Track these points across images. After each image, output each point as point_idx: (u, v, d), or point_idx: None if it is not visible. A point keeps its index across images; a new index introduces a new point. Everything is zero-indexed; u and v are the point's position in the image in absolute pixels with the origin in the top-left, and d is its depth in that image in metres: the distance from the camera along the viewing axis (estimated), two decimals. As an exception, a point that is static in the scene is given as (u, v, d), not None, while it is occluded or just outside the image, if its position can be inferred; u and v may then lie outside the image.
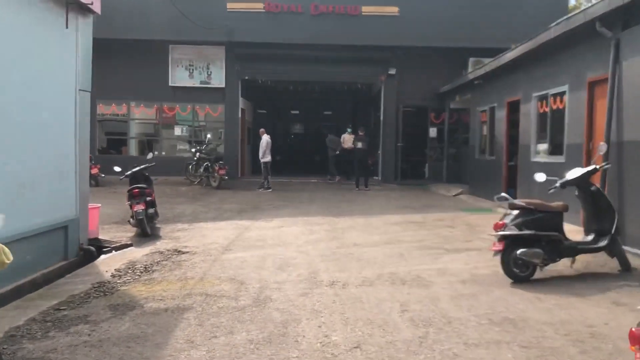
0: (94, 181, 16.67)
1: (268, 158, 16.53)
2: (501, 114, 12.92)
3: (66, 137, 8.66)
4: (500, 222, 6.04)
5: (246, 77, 19.10)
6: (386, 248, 8.14)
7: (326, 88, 21.06)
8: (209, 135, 18.44)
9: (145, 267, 7.55)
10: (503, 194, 6.21)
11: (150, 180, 11.23)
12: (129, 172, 10.87)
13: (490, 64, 12.86)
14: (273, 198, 14.88)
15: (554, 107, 9.93)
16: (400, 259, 7.36)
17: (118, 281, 6.90)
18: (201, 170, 17.22)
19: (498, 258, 6.07)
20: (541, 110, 10.64)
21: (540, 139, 10.74)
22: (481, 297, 5.50)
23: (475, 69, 14.71)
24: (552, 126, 10.07)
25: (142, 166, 11.11)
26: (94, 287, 6.58)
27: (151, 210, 10.11)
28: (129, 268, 7.61)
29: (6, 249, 3.19)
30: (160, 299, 5.77)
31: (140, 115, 19.69)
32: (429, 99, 19.40)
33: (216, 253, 8.20)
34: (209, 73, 19.11)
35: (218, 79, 19.13)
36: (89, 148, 9.81)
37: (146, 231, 9.81)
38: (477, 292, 5.67)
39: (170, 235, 9.91)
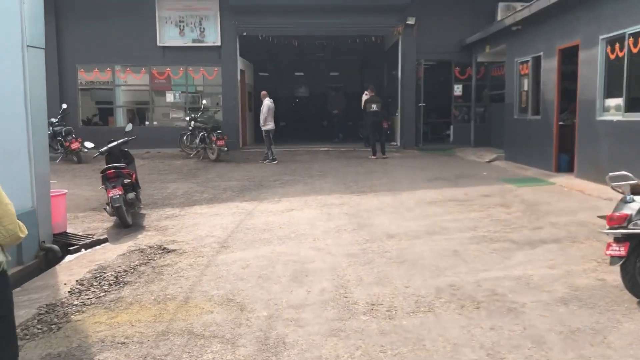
0: (76, 157, 14.83)
1: (270, 125, 14.55)
2: (550, 64, 10.84)
3: (11, 107, 6.77)
4: (619, 214, 4.12)
5: (244, 34, 16.96)
6: (432, 241, 6.27)
7: (334, 44, 18.91)
8: (204, 102, 16.42)
9: (116, 277, 5.77)
10: (623, 172, 4.26)
11: (131, 157, 9.36)
12: (104, 149, 9.01)
13: (536, 3, 10.70)
14: (279, 171, 13.00)
15: (635, 50, 7.87)
16: (457, 260, 5.50)
17: (75, 302, 5.14)
18: (197, 141, 15.30)
19: (607, 263, 4.20)
20: (612, 56, 8.58)
21: (610, 93, 8.71)
22: (610, 336, 3.63)
23: (513, 12, 12.53)
24: (630, 75, 8.03)
25: (119, 140, 9.22)
26: (39, 316, 4.83)
27: (131, 195, 8.26)
28: (96, 278, 5.85)
29: (21, 224, 2.98)
30: (122, 344, 3.96)
31: (126, 80, 17.65)
32: (452, 52, 17.23)
33: (210, 252, 6.38)
34: (202, 30, 16.98)
35: (213, 37, 17.00)
36: (45, 121, 7.93)
37: (126, 221, 8.01)
38: (598, 326, 3.81)
39: (156, 224, 8.11)
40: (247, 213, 8.47)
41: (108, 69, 17.24)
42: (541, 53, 11.29)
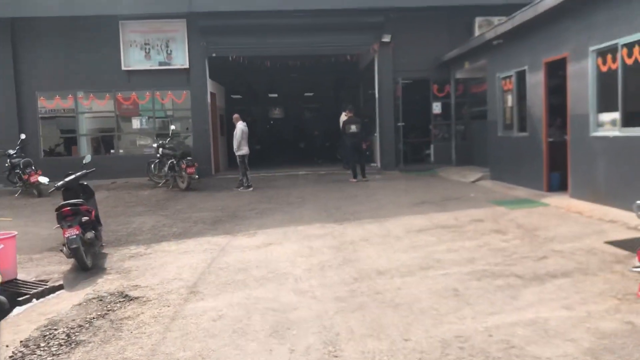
0: (36, 191, 13.92)
1: (244, 150, 13.88)
2: (536, 78, 10.44)
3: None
4: (653, 249, 3.55)
5: (214, 55, 16.35)
6: (427, 278, 5.64)
7: (308, 64, 18.36)
8: (173, 127, 15.68)
9: (68, 335, 5.00)
10: (654, 200, 3.70)
11: (91, 191, 8.58)
12: (60, 183, 8.22)
13: (520, 15, 10.33)
14: (255, 199, 12.31)
15: (629, 61, 7.45)
16: (459, 301, 4.87)
17: (15, 374, 4.35)
18: (166, 169, 14.53)
19: (629, 300, 3.64)
20: (604, 68, 8.16)
21: (604, 107, 8.28)
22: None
23: (493, 26, 12.18)
24: (626, 88, 7.60)
25: (77, 173, 8.45)
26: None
27: (90, 235, 7.47)
28: (44, 337, 5.06)
29: None
30: None
31: (90, 107, 16.83)
32: (430, 69, 16.88)
33: (177, 300, 5.64)
34: (169, 52, 16.33)
35: (180, 59, 16.36)
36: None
37: (84, 264, 7.21)
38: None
39: (118, 266, 7.33)
40: (220, 249, 7.75)
41: (70, 95, 16.43)
42: (526, 67, 10.90)
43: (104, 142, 17.21)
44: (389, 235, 7.83)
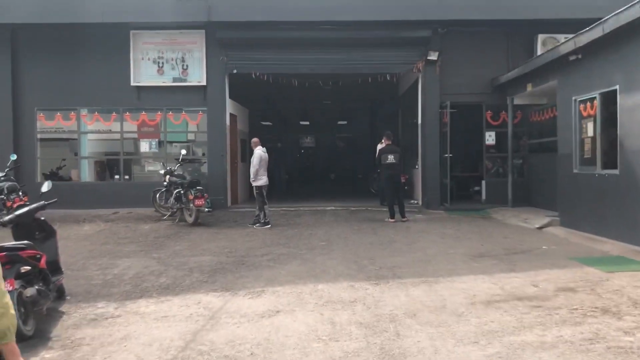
0: (22, 220, 12.11)
1: (262, 180, 11.90)
2: (634, 100, 8.19)
3: None
4: None
5: (234, 71, 14.57)
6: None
7: (342, 87, 16.46)
8: (183, 151, 13.83)
9: None
10: None
11: (50, 229, 6.69)
12: (7, 218, 6.35)
13: (614, 17, 8.16)
14: (271, 240, 10.27)
15: None
16: None
17: None
18: (172, 199, 12.65)
19: None
20: None
21: None
22: None
23: (575, 35, 9.94)
24: None
25: (32, 206, 6.57)
26: None
27: (31, 292, 5.49)
28: None
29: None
30: None
31: (94, 127, 15.17)
32: (482, 92, 14.74)
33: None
34: (185, 67, 14.62)
35: (197, 75, 14.63)
36: None
37: (20, 331, 5.23)
38: None
39: (69, 335, 5.39)
40: (210, 316, 5.69)
41: (73, 113, 14.81)
42: (617, 87, 8.67)
43: (108, 166, 15.50)
44: (445, 308, 5.63)
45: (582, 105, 10.04)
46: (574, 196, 10.41)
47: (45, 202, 6.73)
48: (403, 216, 12.28)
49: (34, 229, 6.41)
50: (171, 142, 15.42)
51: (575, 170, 10.34)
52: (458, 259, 8.12)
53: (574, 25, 13.02)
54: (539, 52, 13.93)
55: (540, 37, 14.20)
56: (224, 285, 7.01)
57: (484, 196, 14.86)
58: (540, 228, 11.00)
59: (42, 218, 6.68)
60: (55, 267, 6.49)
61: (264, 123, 24.34)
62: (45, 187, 7.21)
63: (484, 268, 7.50)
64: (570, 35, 11.79)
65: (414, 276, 7.13)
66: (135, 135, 15.16)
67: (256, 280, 7.19)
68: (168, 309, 6.05)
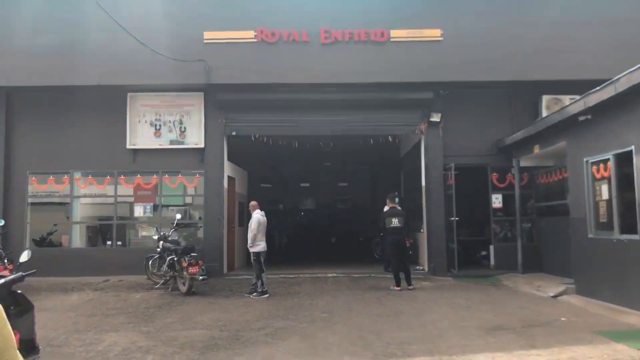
0: None
1: (260, 246, 11.36)
2: (653, 161, 7.82)
3: None
4: None
5: (233, 133, 14.33)
6: None
7: (343, 148, 16.22)
8: (178, 216, 13.37)
9: None
10: None
11: (27, 303, 6.08)
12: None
13: (627, 75, 7.89)
14: (269, 312, 9.64)
15: None
16: None
17: None
18: (164, 267, 12.08)
19: None
20: None
21: None
22: None
23: (585, 95, 9.65)
24: None
25: (7, 278, 6.00)
26: None
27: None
28: None
29: None
30: None
31: (87, 190, 14.78)
32: (487, 154, 14.44)
33: None
34: (183, 129, 14.39)
35: (195, 137, 14.39)
36: None
37: None
38: None
39: None
40: (198, 406, 5.05)
41: (66, 177, 14.46)
42: (632, 147, 8.32)
43: (100, 231, 14.98)
44: (465, 394, 5.01)
45: (594, 167, 9.67)
46: (590, 263, 9.87)
47: (23, 274, 6.17)
48: (409, 284, 11.68)
49: (8, 303, 5.85)
50: (167, 206, 14.97)
51: (590, 235, 9.85)
52: (472, 333, 7.50)
53: (578, 86, 12.95)
54: (543, 114, 13.74)
55: (545, 98, 14.03)
56: (216, 366, 6.40)
57: (492, 261, 14.29)
58: (555, 296, 10.39)
59: (19, 291, 6.13)
60: (30, 346, 5.89)
61: (263, 185, 24.03)
62: (24, 256, 6.69)
63: (501, 344, 6.88)
64: (576, 96, 11.62)
65: (425, 354, 6.51)
66: (130, 199, 14.71)
67: (252, 360, 6.57)
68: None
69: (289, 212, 26.74)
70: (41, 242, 14.86)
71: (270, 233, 15.84)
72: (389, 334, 7.65)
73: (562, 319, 8.33)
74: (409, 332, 7.73)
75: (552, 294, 10.52)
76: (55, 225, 14.90)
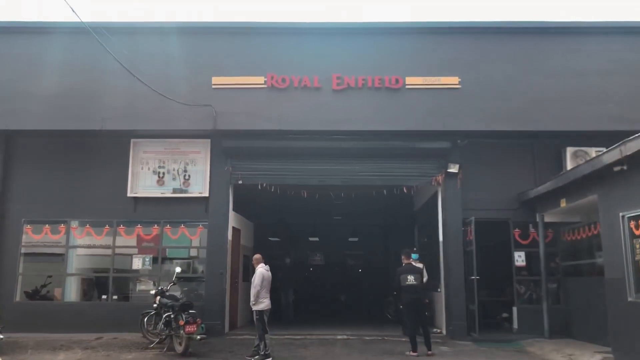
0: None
1: (264, 304, 10.47)
2: None
3: None
4: None
5: (239, 182, 13.67)
6: None
7: (354, 200, 15.44)
8: (178, 269, 12.56)
9: None
10: None
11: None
12: None
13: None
14: (272, 379, 8.68)
15: None
16: None
17: None
18: (160, 325, 11.20)
19: None
20: None
21: None
22: None
23: (618, 144, 8.93)
24: None
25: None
26: None
27: None
28: None
29: None
30: None
31: (84, 240, 14.06)
32: (508, 209, 13.62)
33: None
34: (187, 177, 13.78)
35: (199, 186, 13.76)
36: None
37: None
38: None
39: None
40: None
41: (62, 225, 13.78)
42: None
43: (96, 284, 14.15)
44: None
45: (632, 222, 8.85)
46: (631, 329, 8.89)
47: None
48: (429, 349, 10.67)
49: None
50: (170, 259, 14.17)
51: (630, 299, 8.91)
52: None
53: (602, 138, 12.35)
54: (568, 166, 13.02)
55: (569, 150, 13.31)
56: None
57: (515, 325, 13.22)
58: (592, 367, 9.37)
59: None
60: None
61: (271, 239, 23.21)
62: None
63: None
64: (602, 149, 10.97)
65: None
66: (129, 251, 13.94)
67: None
68: None
69: (296, 267, 25.78)
70: (34, 295, 14.05)
71: (276, 289, 14.95)
72: (408, 410, 6.68)
73: (605, 395, 7.33)
74: (430, 408, 6.76)
75: (587, 365, 9.49)
76: (49, 277, 14.10)
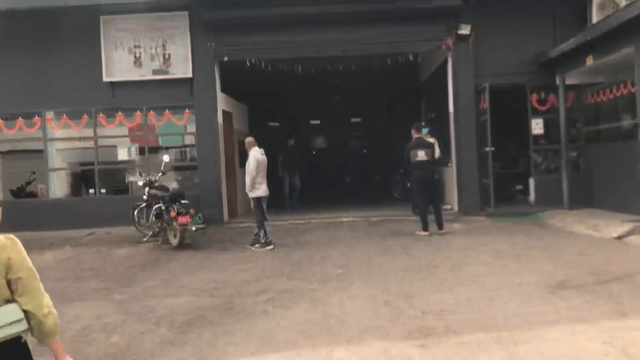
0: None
1: (261, 190, 9.64)
2: None
3: None
4: None
5: (225, 59, 12.37)
6: None
7: (354, 73, 14.12)
8: (165, 158, 11.65)
9: None
10: None
11: None
12: None
13: None
14: (272, 268, 8.07)
15: None
16: None
17: None
18: (152, 217, 10.50)
19: None
20: None
21: None
22: None
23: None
24: None
25: None
26: None
27: None
28: None
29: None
30: None
31: (63, 132, 13.07)
32: (524, 71, 12.36)
33: None
34: (166, 56, 12.46)
35: (181, 66, 12.46)
36: None
37: None
38: None
39: None
40: None
41: (37, 117, 12.69)
42: None
43: (83, 179, 13.37)
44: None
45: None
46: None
47: None
48: (440, 227, 9.99)
49: None
50: (162, 148, 13.26)
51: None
52: (532, 294, 5.82)
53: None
54: (594, 19, 11.61)
55: (596, 2, 11.82)
56: (196, 351, 4.82)
57: (532, 197, 12.48)
58: (620, 238, 8.66)
59: None
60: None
61: (270, 124, 22.22)
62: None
63: (577, 310, 5.20)
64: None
65: (476, 328, 4.86)
66: (114, 141, 13.01)
67: (244, 341, 5.00)
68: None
69: (299, 151, 24.99)
70: (19, 193, 13.35)
71: (276, 176, 14.19)
72: (422, 297, 6.01)
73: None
74: (448, 294, 6.07)
75: (615, 235, 8.78)
76: (33, 173, 13.30)
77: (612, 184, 10.82)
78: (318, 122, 25.08)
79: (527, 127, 12.47)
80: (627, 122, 10.91)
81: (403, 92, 19.58)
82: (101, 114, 12.68)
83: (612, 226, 9.18)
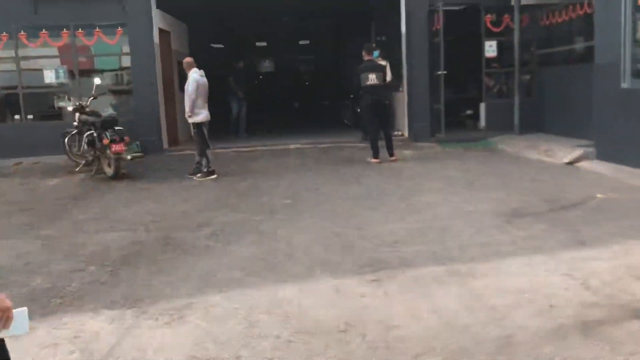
0: None
1: (202, 115, 9.00)
2: None
3: None
4: None
5: (161, -30, 11.31)
6: None
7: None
8: (97, 80, 10.72)
9: None
10: None
11: None
12: None
13: None
14: (216, 199, 7.61)
15: None
16: None
17: None
18: (84, 145, 9.73)
19: None
20: None
21: None
22: None
23: None
24: None
25: None
26: None
27: None
28: None
29: None
30: None
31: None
32: (480, -9, 11.87)
33: None
34: (93, -34, 11.25)
35: (111, -22, 11.30)
36: None
37: None
38: None
39: None
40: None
41: (-53, 33, 11.41)
42: None
43: (7, 104, 12.27)
44: (512, 344, 3.12)
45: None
46: (619, 120, 7.93)
47: None
48: (391, 154, 9.67)
49: None
50: (95, 71, 12.25)
51: (624, 85, 7.82)
52: (487, 223, 5.61)
53: None
54: None
55: None
56: (128, 293, 4.38)
57: (482, 122, 12.31)
58: (571, 163, 8.59)
59: None
60: None
61: (214, 46, 21.08)
62: None
63: (533, 240, 5.01)
64: None
65: (430, 260, 4.61)
66: (39, 63, 11.89)
67: (182, 281, 4.58)
68: (19, 349, 3.40)
69: (246, 75, 24.01)
70: None
71: (222, 100, 13.45)
72: (375, 227, 5.71)
73: (598, 195, 6.50)
74: (400, 223, 5.80)
75: (566, 160, 8.70)
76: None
77: (563, 109, 10.71)
78: (265, 44, 24.04)
79: (480, 50, 12.11)
80: (579, 45, 10.71)
81: (353, 13, 18.77)
82: (22, 32, 11.48)
83: (563, 151, 9.10)
